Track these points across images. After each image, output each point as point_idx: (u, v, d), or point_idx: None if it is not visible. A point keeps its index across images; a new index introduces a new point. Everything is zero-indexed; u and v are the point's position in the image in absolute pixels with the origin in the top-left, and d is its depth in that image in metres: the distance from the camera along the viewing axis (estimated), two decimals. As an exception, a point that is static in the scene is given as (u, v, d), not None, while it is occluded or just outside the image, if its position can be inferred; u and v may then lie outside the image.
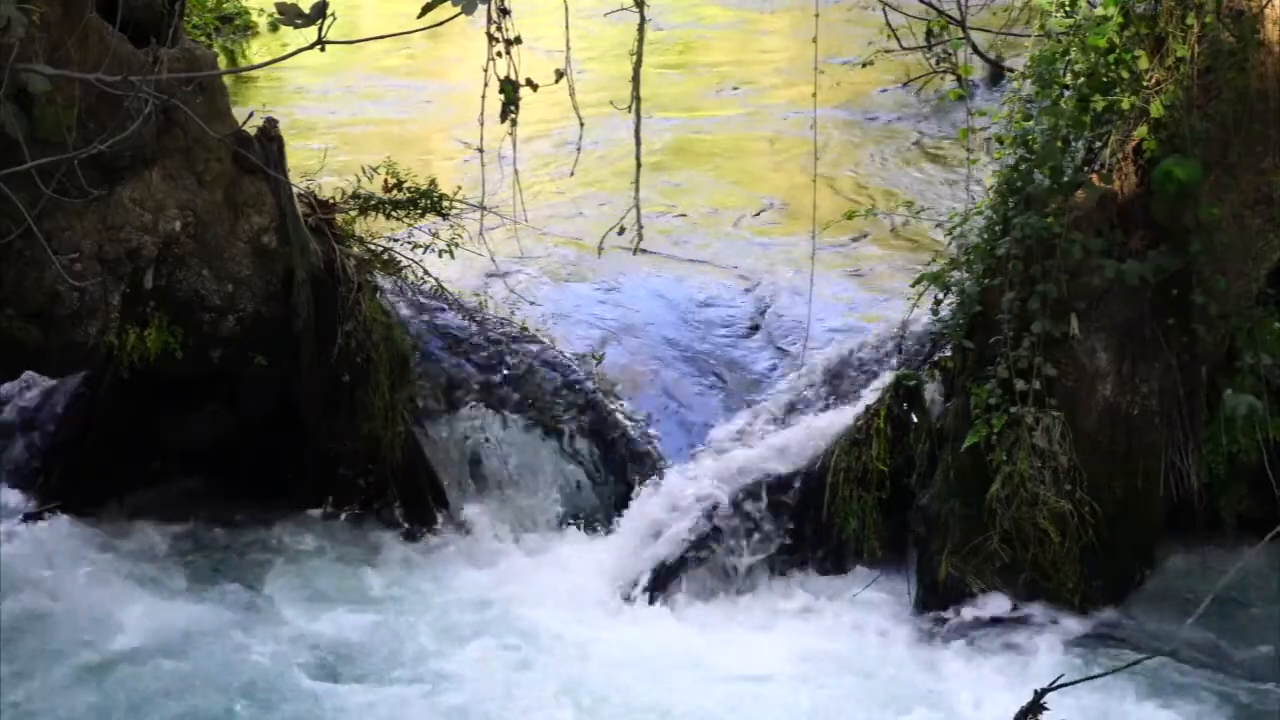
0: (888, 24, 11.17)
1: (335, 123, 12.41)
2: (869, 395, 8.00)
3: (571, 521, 8.16)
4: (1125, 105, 6.95)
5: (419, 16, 4.33)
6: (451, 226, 8.34)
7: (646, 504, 8.01)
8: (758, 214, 10.36)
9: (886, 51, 11.70)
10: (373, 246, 8.33)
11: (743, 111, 12.79)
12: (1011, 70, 10.43)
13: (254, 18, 15.47)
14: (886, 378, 7.98)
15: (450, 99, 13.13)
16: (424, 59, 14.86)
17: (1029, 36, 8.27)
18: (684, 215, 10.31)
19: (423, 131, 12.46)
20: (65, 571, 7.63)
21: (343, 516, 8.18)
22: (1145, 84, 6.92)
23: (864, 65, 12.12)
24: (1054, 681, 4.00)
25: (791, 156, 11.22)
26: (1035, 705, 4.04)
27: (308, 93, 13.47)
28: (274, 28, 15.24)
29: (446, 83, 13.89)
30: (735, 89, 13.50)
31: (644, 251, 7.94)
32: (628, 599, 7.63)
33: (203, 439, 8.20)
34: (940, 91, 12.10)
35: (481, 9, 4.43)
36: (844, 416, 7.97)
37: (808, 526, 7.79)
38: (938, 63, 11.70)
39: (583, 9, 6.73)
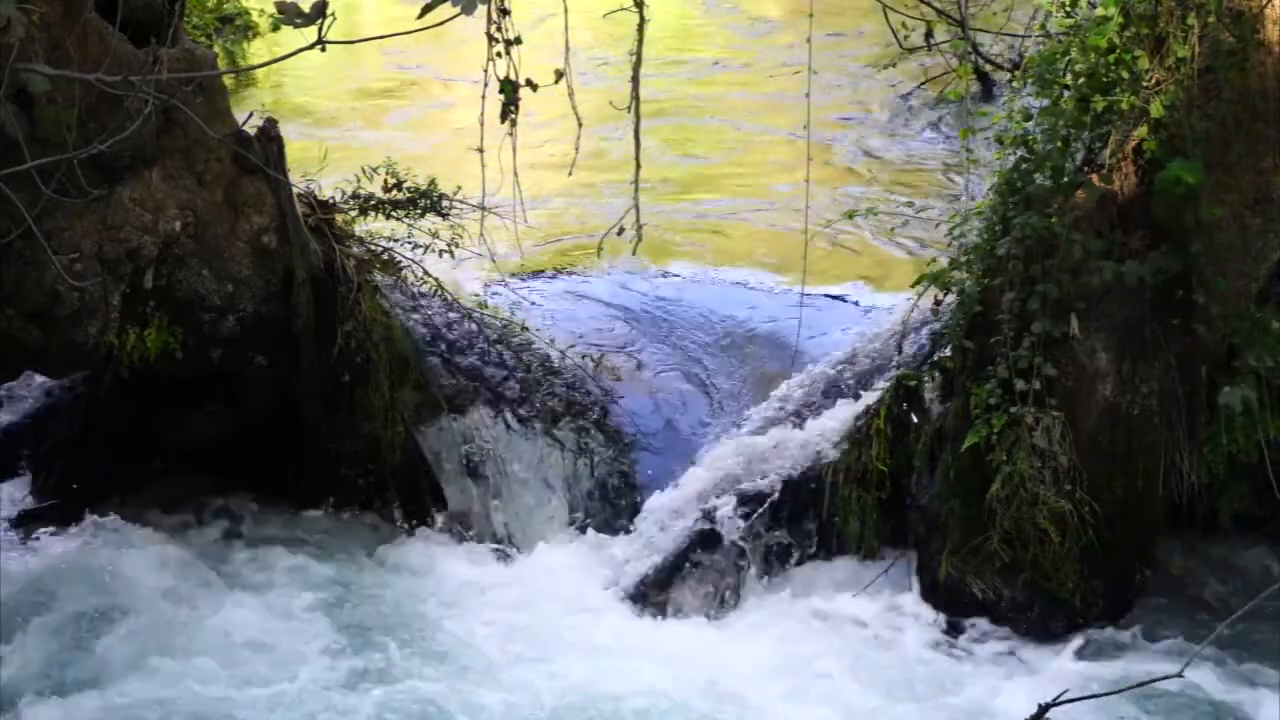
0: (889, 25, 11.15)
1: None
2: (869, 396, 8.01)
3: (571, 522, 8.16)
4: (1125, 105, 6.94)
5: (419, 17, 4.34)
6: (451, 227, 8.34)
7: (645, 505, 8.02)
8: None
9: (891, 66, 11.60)
10: (373, 246, 8.33)
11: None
12: (1014, 70, 10.41)
13: (254, 18, 15.46)
14: (886, 379, 7.99)
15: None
16: (424, 115, 14.14)
17: (1029, 36, 8.27)
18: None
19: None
20: (64, 571, 7.63)
21: (343, 516, 8.19)
22: (1145, 84, 6.91)
23: (885, 67, 12.03)
24: (1058, 697, 3.99)
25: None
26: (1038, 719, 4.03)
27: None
28: (275, 28, 15.23)
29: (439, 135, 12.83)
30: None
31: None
32: (626, 600, 7.62)
33: (203, 439, 8.20)
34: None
35: (481, 9, 4.43)
36: (844, 417, 7.97)
37: (807, 527, 7.79)
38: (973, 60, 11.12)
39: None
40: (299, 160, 8.19)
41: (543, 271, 9.49)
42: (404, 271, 8.43)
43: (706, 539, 7.76)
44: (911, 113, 12.74)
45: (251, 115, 7.86)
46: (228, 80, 8.98)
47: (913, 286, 7.94)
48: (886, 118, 12.69)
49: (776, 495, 7.80)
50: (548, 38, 6.56)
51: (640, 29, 6.67)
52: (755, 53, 15.00)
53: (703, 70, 14.47)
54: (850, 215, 8.47)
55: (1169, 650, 7.08)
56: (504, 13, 6.50)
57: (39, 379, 8.49)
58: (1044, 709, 3.99)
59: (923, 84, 12.91)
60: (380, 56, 14.96)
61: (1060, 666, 6.99)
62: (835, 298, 9.07)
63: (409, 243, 8.39)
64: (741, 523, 7.78)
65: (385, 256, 8.34)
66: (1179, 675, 4.04)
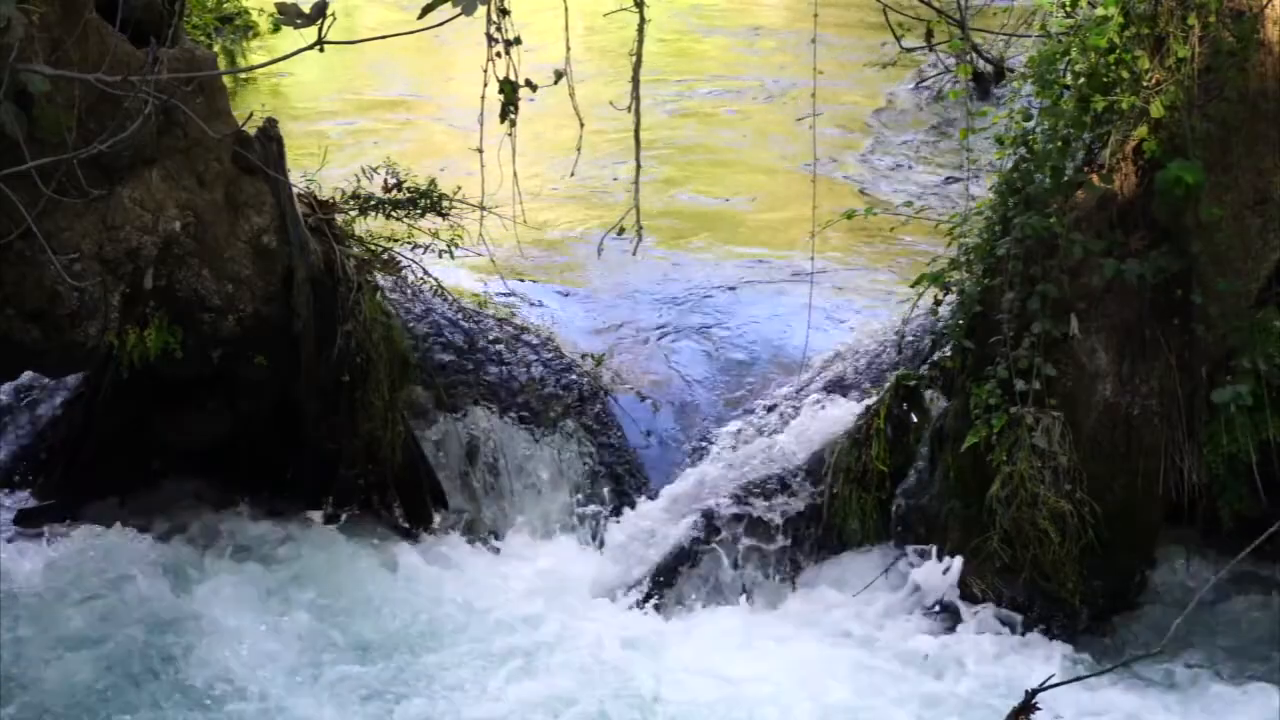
0: (889, 26, 11.14)
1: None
2: (869, 396, 8.01)
3: (571, 522, 8.16)
4: (1125, 105, 6.95)
5: (419, 17, 4.35)
6: (451, 227, 8.34)
7: (645, 505, 8.02)
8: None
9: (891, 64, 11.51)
10: (373, 246, 8.33)
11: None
12: (1011, 71, 10.41)
13: (254, 18, 15.45)
14: (886, 379, 7.99)
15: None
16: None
17: (1029, 37, 8.26)
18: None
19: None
20: (64, 572, 7.63)
21: (343, 516, 8.19)
22: (1145, 84, 6.91)
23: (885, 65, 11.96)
24: (1044, 682, 4.01)
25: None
26: (1027, 705, 4.04)
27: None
28: (275, 28, 15.22)
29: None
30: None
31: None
32: (625, 600, 7.63)
33: (203, 439, 8.20)
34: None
35: (481, 9, 4.43)
36: (844, 417, 7.97)
37: (807, 528, 7.80)
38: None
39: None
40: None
41: (543, 272, 9.49)
42: (404, 271, 8.43)
43: (707, 538, 7.77)
44: (915, 120, 12.72)
45: (252, 115, 7.86)
46: (227, 81, 8.97)
47: (913, 286, 7.95)
48: (887, 133, 12.64)
49: (777, 494, 7.81)
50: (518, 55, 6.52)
51: (640, 29, 6.66)
52: (750, 70, 14.86)
53: (697, 92, 14.24)
54: (849, 216, 8.45)
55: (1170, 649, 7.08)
56: (504, 13, 6.49)
57: (39, 379, 8.48)
58: (1031, 694, 4.01)
59: (919, 85, 12.88)
60: (372, 72, 14.88)
61: (1060, 666, 6.99)
62: (837, 299, 9.08)
63: (409, 243, 8.40)
64: (742, 522, 7.78)
65: (385, 256, 8.35)
66: (1160, 653, 4.06)
